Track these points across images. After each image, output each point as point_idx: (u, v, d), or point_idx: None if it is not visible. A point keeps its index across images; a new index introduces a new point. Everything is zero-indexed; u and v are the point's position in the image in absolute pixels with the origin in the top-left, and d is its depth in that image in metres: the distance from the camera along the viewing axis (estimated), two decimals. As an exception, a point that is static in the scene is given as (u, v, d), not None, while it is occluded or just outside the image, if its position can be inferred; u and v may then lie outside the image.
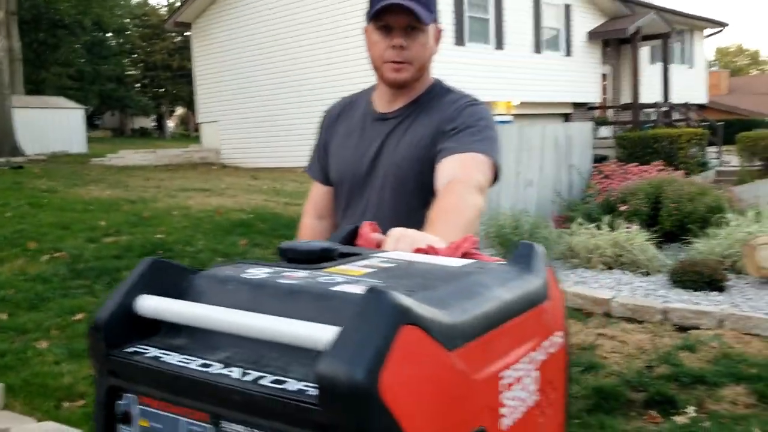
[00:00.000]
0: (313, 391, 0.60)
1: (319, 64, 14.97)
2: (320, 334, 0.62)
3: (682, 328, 4.77)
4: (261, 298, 0.73)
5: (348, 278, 0.77)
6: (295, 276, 0.78)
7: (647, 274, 6.14)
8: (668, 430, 3.23)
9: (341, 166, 1.73)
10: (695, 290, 5.49)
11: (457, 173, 1.46)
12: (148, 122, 42.90)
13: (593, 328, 4.80)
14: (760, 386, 3.69)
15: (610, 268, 6.29)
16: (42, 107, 20.93)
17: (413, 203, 1.60)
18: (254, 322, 0.68)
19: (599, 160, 10.72)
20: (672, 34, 18.88)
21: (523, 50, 16.42)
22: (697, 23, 22.45)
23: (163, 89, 39.53)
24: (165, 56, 37.02)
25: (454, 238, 1.25)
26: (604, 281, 5.88)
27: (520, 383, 0.75)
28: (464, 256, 1.00)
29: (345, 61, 13.93)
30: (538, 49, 16.90)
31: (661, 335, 4.62)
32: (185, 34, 24.66)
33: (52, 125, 20.92)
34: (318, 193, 1.84)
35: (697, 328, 4.73)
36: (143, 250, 6.57)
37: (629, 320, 4.98)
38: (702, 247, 6.42)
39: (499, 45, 15.71)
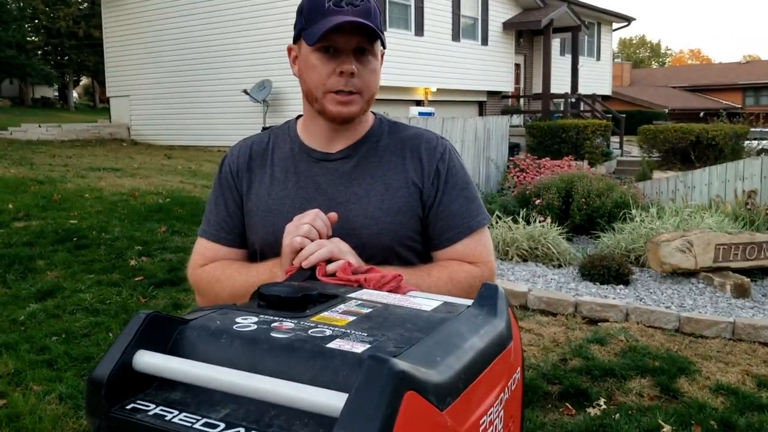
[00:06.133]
0: None
1: (242, 41, 14.63)
2: (332, 402, 0.65)
3: (592, 321, 5.07)
4: (257, 355, 0.76)
5: (335, 330, 0.81)
6: (285, 327, 0.81)
7: (559, 266, 6.45)
8: (582, 422, 3.45)
9: (278, 221, 1.29)
10: (602, 283, 5.82)
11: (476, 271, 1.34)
12: (51, 92, 40.67)
13: (511, 320, 5.03)
14: (663, 379, 3.98)
15: (525, 260, 6.57)
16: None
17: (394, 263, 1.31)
18: (265, 387, 0.70)
19: (511, 147, 11.05)
20: (582, 28, 19.58)
21: (442, 37, 16.63)
22: (605, 17, 23.37)
23: (67, 58, 37.50)
24: (70, 23, 35.10)
25: (421, 281, 1.29)
26: (520, 273, 6.14)
27: (492, 426, 0.79)
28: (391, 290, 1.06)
29: (269, 39, 13.70)
30: (456, 37, 17.16)
31: (573, 328, 4.89)
32: (93, 1, 23.50)
33: (-55, 93, 19.56)
34: (222, 255, 1.42)
35: (605, 320, 5.04)
36: (57, 236, 6.32)
37: (543, 312, 5.24)
38: (608, 241, 6.79)
39: (419, 31, 15.85)
